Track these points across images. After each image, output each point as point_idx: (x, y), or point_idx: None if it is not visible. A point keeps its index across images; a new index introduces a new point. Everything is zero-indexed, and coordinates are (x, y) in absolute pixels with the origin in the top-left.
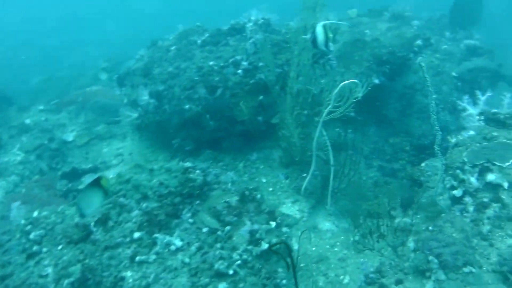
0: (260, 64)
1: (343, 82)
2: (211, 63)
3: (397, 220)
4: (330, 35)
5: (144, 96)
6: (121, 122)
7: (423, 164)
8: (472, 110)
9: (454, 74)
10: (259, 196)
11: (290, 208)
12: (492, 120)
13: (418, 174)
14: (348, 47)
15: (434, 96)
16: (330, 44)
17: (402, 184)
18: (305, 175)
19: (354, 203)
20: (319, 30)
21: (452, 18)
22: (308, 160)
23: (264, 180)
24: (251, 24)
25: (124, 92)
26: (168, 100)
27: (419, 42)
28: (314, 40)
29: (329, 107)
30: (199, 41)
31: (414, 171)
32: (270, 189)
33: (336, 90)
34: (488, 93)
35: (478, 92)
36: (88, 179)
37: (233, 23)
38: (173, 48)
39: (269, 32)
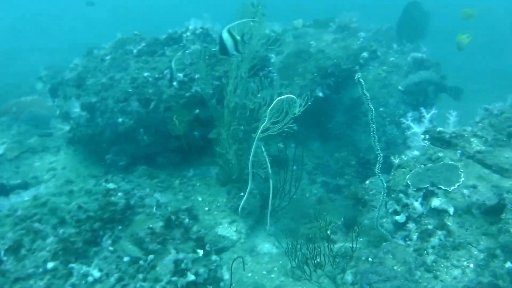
0: (197, 76)
1: (279, 97)
2: (145, 74)
3: (337, 245)
4: (238, 37)
5: (76, 108)
6: (53, 135)
7: (367, 182)
8: (416, 129)
9: (400, 88)
10: (186, 220)
11: (227, 229)
12: (438, 139)
13: (362, 192)
14: (292, 58)
15: (373, 115)
16: (239, 48)
17: (347, 201)
18: (242, 194)
19: (296, 221)
20: (225, 36)
21: (399, 31)
22: (246, 178)
23: (200, 199)
24: (188, 33)
25: (57, 104)
26: (101, 113)
27: (365, 54)
28: (223, 48)
29: (265, 123)
30: (135, 51)
31: (358, 189)
32: (206, 208)
33: (271, 106)
34: (433, 110)
35: (423, 110)
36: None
37: (171, 32)
38: (108, 57)
39: (207, 42)
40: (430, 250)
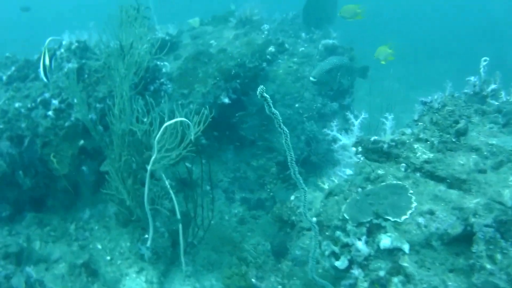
0: (76, 100)
1: (167, 122)
2: (17, 105)
3: None
4: (47, 63)
5: None
6: None
7: (292, 198)
8: (345, 140)
9: (312, 79)
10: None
11: (135, 281)
12: (374, 151)
13: (288, 213)
14: (191, 62)
15: (289, 139)
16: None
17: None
18: (146, 236)
19: (218, 251)
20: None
21: (306, 18)
22: (153, 212)
23: (99, 246)
24: (62, 50)
25: None
26: None
27: (271, 49)
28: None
29: (154, 156)
30: (4, 77)
31: (283, 210)
32: (108, 257)
33: (158, 136)
34: (363, 115)
35: (349, 115)
36: None
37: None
38: None
39: (86, 58)
40: None
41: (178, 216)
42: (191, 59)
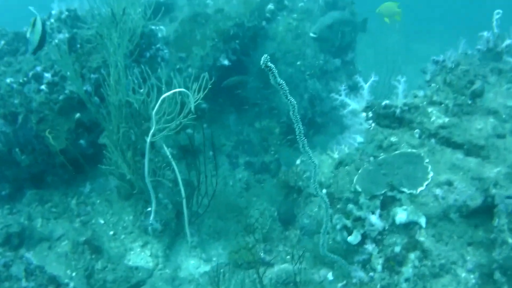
0: (69, 73)
1: (163, 95)
2: (8, 80)
3: (276, 269)
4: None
5: None
6: None
7: (298, 162)
8: (355, 105)
9: (312, 35)
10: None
11: (140, 255)
12: (385, 116)
13: (295, 178)
14: (187, 25)
15: (296, 110)
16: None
17: (278, 183)
18: (149, 209)
19: (224, 218)
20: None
21: None
22: (156, 183)
23: (102, 221)
24: (52, 20)
25: None
26: None
27: (270, 6)
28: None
29: (153, 128)
30: None
31: (289, 175)
32: (111, 232)
33: (156, 107)
34: (373, 77)
35: (358, 78)
36: None
37: (32, 21)
38: None
39: (77, 28)
40: (404, 285)
41: (182, 188)
42: (187, 21)
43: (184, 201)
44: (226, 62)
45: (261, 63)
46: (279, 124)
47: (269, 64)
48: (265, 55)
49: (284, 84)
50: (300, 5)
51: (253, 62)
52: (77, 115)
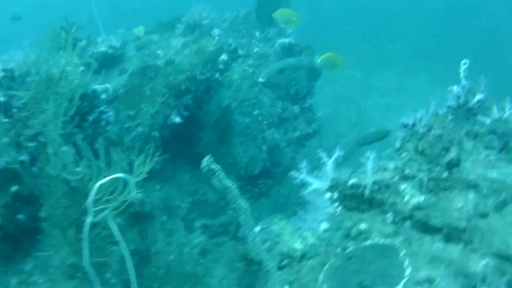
0: (4, 140)
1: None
2: None
3: None
4: None
5: None
6: None
7: (257, 229)
8: (317, 184)
9: (260, 80)
10: None
11: None
12: (352, 197)
13: (254, 250)
14: (136, 79)
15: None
16: None
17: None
18: None
19: None
20: None
21: (259, 15)
22: (102, 262)
23: None
24: None
25: None
26: None
27: (224, 57)
28: None
29: (89, 218)
30: None
31: (247, 246)
32: None
33: (92, 195)
34: (338, 152)
35: (322, 155)
36: None
37: None
38: None
39: (15, 89)
40: None
41: (130, 265)
42: (136, 75)
43: (132, 277)
44: (177, 120)
45: (202, 166)
46: (237, 179)
47: (212, 166)
48: (206, 158)
49: (234, 187)
50: (256, 50)
51: (208, 114)
52: (15, 187)
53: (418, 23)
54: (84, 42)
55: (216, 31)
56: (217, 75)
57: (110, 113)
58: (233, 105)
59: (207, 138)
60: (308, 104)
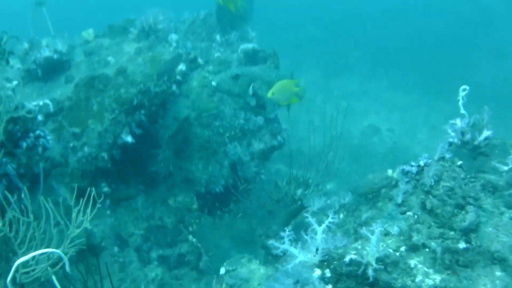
0: None
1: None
2: None
3: None
4: None
5: None
6: None
7: (222, 272)
8: (302, 257)
9: (213, 83)
10: None
11: None
12: (350, 276)
13: None
14: (82, 90)
15: None
16: None
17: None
18: None
19: None
20: None
21: (220, 17)
22: None
23: None
24: None
25: None
26: None
27: (182, 67)
28: None
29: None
30: None
31: None
32: None
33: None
34: (330, 217)
35: (309, 218)
36: None
37: None
38: None
39: None
40: None
41: None
42: (82, 87)
43: None
44: (129, 139)
45: None
46: (197, 197)
47: None
48: None
49: None
50: (217, 56)
51: (164, 126)
52: None
53: (379, 27)
54: (26, 45)
55: (173, 36)
56: (174, 87)
57: (49, 137)
58: (192, 116)
59: (163, 155)
60: (273, 115)
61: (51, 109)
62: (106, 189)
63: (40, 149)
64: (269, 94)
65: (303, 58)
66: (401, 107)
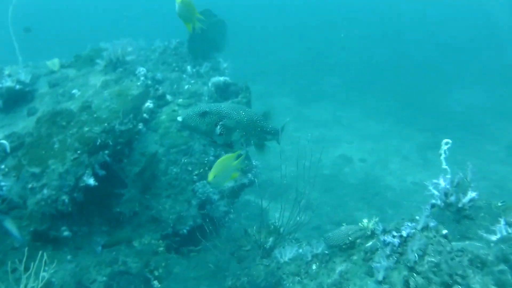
0: None
1: None
2: None
3: None
4: None
5: None
6: None
7: None
8: None
9: (178, 118)
10: None
11: None
12: None
13: None
14: (44, 127)
15: None
16: None
17: None
18: None
19: None
20: None
21: (192, 46)
22: None
23: None
24: None
25: None
26: None
27: (149, 104)
28: None
29: None
30: None
31: None
32: None
33: None
34: None
35: None
36: None
37: None
38: None
39: None
40: None
41: None
42: (44, 123)
43: None
44: (91, 182)
45: None
46: (163, 238)
47: None
48: None
49: None
50: (187, 88)
51: (130, 163)
52: None
53: (354, 53)
54: None
55: (141, 70)
56: (140, 126)
57: (3, 183)
58: (159, 152)
59: (129, 194)
60: (244, 151)
61: (8, 149)
62: (66, 233)
63: None
64: (210, 178)
65: (276, 84)
66: (373, 136)
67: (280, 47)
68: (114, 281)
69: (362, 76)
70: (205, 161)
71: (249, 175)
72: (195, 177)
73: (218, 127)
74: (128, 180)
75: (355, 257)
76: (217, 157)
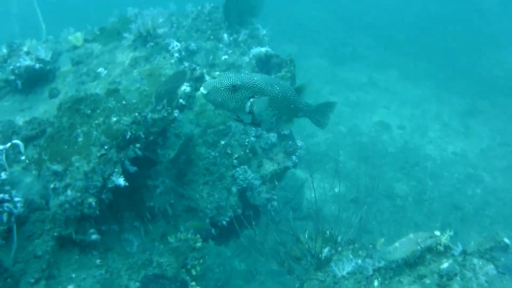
0: None
1: None
2: None
3: None
4: None
5: None
6: None
7: None
8: None
9: (202, 89)
10: None
11: None
12: None
13: None
14: (66, 116)
15: None
16: None
17: None
18: None
19: None
20: None
21: (228, 12)
22: None
23: None
24: None
25: None
26: None
27: (186, 88)
28: None
29: None
30: None
31: None
32: None
33: None
34: None
35: None
36: None
37: None
38: None
39: None
40: None
41: None
42: (66, 110)
43: None
44: (121, 182)
45: None
46: (204, 228)
47: None
48: None
49: None
50: (224, 58)
51: (166, 144)
52: None
53: (387, 14)
54: (4, 51)
55: (175, 45)
56: (176, 113)
57: (18, 199)
58: (195, 133)
59: (163, 186)
60: (287, 131)
61: (22, 150)
62: (95, 236)
63: (5, 216)
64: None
65: (309, 45)
66: (411, 101)
67: (312, 6)
68: (149, 286)
69: (396, 36)
70: (246, 143)
71: (293, 157)
72: (235, 161)
73: (249, 103)
74: (161, 167)
75: (427, 281)
76: (258, 137)
